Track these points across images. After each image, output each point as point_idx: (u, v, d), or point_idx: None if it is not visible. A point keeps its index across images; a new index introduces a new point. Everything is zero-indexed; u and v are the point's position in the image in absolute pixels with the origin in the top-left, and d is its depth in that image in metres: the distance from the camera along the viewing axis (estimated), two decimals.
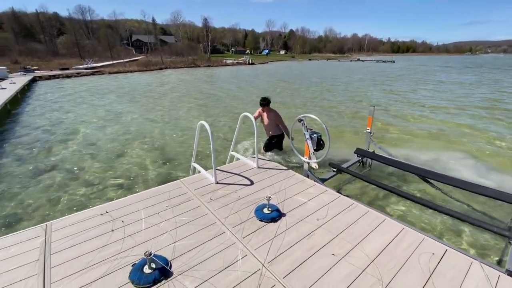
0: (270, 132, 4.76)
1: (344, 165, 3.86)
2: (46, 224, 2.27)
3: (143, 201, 2.64)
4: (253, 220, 2.33)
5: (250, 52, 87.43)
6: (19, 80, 16.39)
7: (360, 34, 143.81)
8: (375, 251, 1.99)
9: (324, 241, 2.07)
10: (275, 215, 2.31)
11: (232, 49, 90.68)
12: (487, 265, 1.88)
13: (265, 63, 50.00)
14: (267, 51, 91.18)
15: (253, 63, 45.00)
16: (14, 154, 5.72)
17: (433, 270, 1.81)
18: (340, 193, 2.84)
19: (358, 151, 4.16)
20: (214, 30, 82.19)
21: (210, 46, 70.64)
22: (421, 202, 2.88)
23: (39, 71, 23.98)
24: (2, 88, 12.54)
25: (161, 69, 30.74)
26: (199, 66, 36.18)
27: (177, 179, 3.15)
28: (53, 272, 1.78)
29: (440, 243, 2.14)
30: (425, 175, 3.58)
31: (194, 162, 3.48)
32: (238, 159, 3.78)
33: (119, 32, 64.58)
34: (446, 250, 2.03)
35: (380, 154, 4.23)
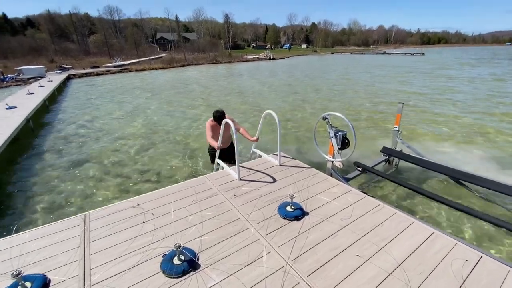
0: (224, 144, 4.07)
1: (370, 165, 3.75)
2: (84, 214, 2.46)
3: (171, 195, 2.76)
4: (276, 217, 2.35)
5: (271, 47, 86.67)
6: (55, 78, 17.60)
7: (386, 26, 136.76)
8: (403, 254, 1.93)
9: (349, 241, 2.05)
10: (298, 214, 2.32)
11: (253, 44, 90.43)
12: None
13: (286, 57, 49.36)
14: (288, 45, 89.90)
15: (273, 58, 44.61)
16: (53, 147, 6.20)
17: (466, 277, 1.74)
18: (365, 193, 2.78)
19: (385, 150, 4.02)
20: (235, 25, 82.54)
21: (231, 42, 71.12)
22: (453, 205, 2.74)
23: (73, 70, 25.57)
24: (41, 86, 13.54)
25: (183, 66, 31.48)
26: (220, 62, 36.55)
27: (202, 175, 3.26)
28: (92, 258, 1.93)
29: (474, 249, 2.03)
30: (458, 177, 3.39)
31: (218, 158, 3.57)
32: (260, 156, 3.81)
33: (144, 31, 66.87)
34: (481, 257, 1.93)
35: (408, 154, 4.05)
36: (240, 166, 3.20)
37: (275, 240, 2.07)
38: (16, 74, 20.94)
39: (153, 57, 38.64)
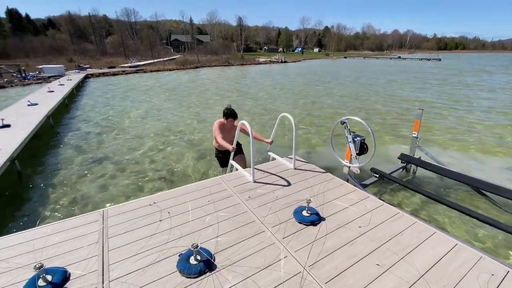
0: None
1: (387, 171, 3.66)
2: (103, 210, 2.51)
3: (186, 194, 2.78)
4: (292, 221, 2.33)
5: (283, 50, 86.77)
6: (74, 77, 18.21)
7: (401, 30, 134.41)
8: (425, 265, 1.87)
9: (368, 249, 2.00)
10: (315, 219, 2.29)
11: (265, 47, 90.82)
12: None
13: (298, 61, 49.27)
14: (300, 49, 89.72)
15: (285, 62, 44.63)
16: (72, 144, 6.40)
17: None
18: (383, 200, 2.71)
19: (403, 157, 3.91)
20: (247, 28, 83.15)
21: (243, 44, 71.65)
22: (476, 216, 2.63)
23: (90, 69, 26.40)
24: (61, 85, 14.03)
25: (197, 67, 31.94)
26: (232, 65, 36.87)
27: (216, 175, 3.27)
28: (111, 254, 1.96)
29: (500, 263, 1.93)
30: (480, 187, 3.26)
31: (233, 160, 3.57)
32: (274, 159, 3.79)
33: (159, 33, 68.43)
34: (508, 272, 1.84)
35: (428, 161, 3.93)
36: (254, 168, 3.19)
37: (291, 245, 2.04)
38: (37, 72, 21.83)
39: (167, 58, 39.40)
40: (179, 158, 5.50)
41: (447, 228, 3.07)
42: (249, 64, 39.11)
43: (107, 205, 3.76)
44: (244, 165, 3.87)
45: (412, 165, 4.06)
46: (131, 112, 9.85)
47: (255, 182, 3.06)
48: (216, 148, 4.01)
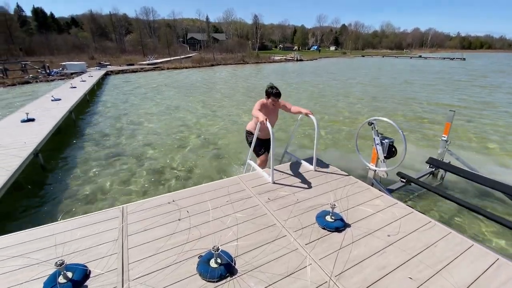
0: (268, 134, 3.48)
1: (415, 176, 3.45)
2: (122, 207, 2.50)
3: (205, 194, 2.73)
4: (315, 226, 2.21)
5: (298, 48, 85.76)
6: (95, 74, 18.79)
7: (422, 29, 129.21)
8: (463, 282, 1.70)
9: (398, 261, 1.86)
10: (340, 225, 2.16)
11: (280, 45, 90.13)
12: None
13: (314, 59, 48.53)
14: (316, 47, 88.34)
15: (301, 60, 44.05)
16: (92, 139, 6.55)
17: None
18: (411, 207, 2.54)
19: (432, 161, 3.68)
20: (263, 26, 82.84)
21: (259, 42, 71.46)
22: None
23: (110, 66, 27.17)
24: (83, 81, 14.50)
25: (212, 65, 32.14)
26: (247, 63, 36.81)
27: (234, 175, 3.20)
28: (130, 253, 1.93)
29: None
30: None
31: (250, 159, 3.49)
32: (293, 159, 3.68)
33: (176, 31, 69.55)
34: None
35: (459, 166, 3.67)
36: (273, 168, 3.09)
37: (315, 252, 1.93)
38: (60, 69, 22.72)
39: (184, 56, 39.92)
40: (197, 155, 5.49)
41: (484, 240, 2.84)
42: (264, 62, 38.88)
43: (127, 201, 3.78)
44: (265, 164, 3.62)
45: (441, 170, 3.82)
46: (150, 108, 10.00)
47: (274, 183, 2.97)
48: (247, 131, 3.66)
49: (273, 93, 3.23)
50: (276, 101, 3.31)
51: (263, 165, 3.55)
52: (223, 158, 5.36)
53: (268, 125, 2.81)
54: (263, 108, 3.30)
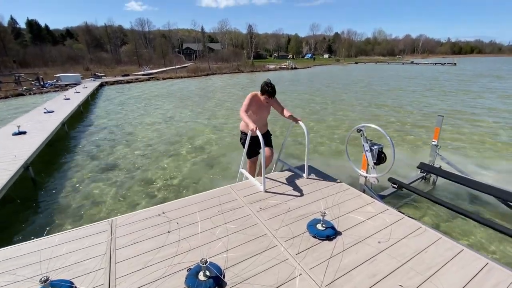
0: (261, 129, 3.36)
1: (406, 181, 3.47)
2: (111, 220, 2.46)
3: (196, 204, 2.70)
4: (305, 235, 2.20)
5: (293, 56, 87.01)
6: (90, 85, 18.78)
7: (414, 35, 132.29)
8: (453, 287, 1.70)
9: (389, 268, 1.85)
10: (330, 233, 2.15)
11: (275, 54, 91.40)
12: None
13: (308, 67, 49.22)
14: (310, 55, 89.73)
15: (295, 68, 44.64)
16: (84, 151, 6.50)
17: None
18: (403, 213, 2.54)
19: (423, 166, 3.71)
20: (257, 36, 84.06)
21: (253, 52, 72.39)
22: (506, 232, 2.42)
23: (105, 77, 27.22)
24: (77, 92, 14.47)
25: (208, 74, 32.38)
26: (242, 72, 37.17)
27: (226, 184, 3.18)
28: (118, 267, 1.89)
29: None
30: (508, 199, 3.02)
31: (242, 168, 3.48)
32: (285, 167, 3.68)
33: (171, 41, 70.22)
34: None
35: (450, 171, 3.70)
36: (265, 177, 3.09)
37: (306, 261, 1.91)
38: (55, 80, 22.69)
39: (179, 66, 40.18)
40: (190, 165, 5.47)
41: (475, 245, 2.84)
42: (259, 71, 39.32)
43: (117, 214, 3.73)
44: (270, 160, 3.50)
45: (432, 175, 3.85)
46: (143, 119, 9.99)
47: (266, 192, 2.96)
48: (241, 131, 3.50)
49: (268, 91, 3.11)
50: (270, 99, 3.21)
51: (269, 160, 3.41)
52: (216, 167, 5.34)
53: (259, 134, 2.81)
54: (254, 102, 3.20)
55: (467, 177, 3.48)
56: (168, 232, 2.27)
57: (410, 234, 2.21)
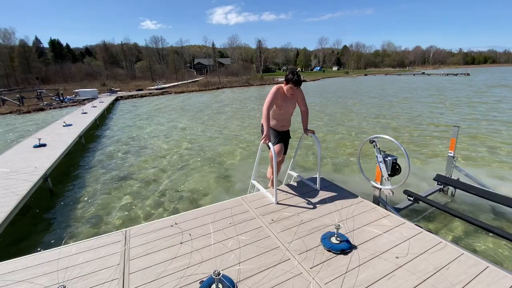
0: (284, 126, 3.28)
1: (422, 194, 3.36)
2: (125, 230, 2.49)
3: (208, 215, 2.71)
4: (319, 249, 2.15)
5: (302, 69, 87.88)
6: (106, 100, 19.55)
7: (424, 46, 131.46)
8: None
9: (409, 285, 1.77)
10: (345, 247, 2.09)
11: (284, 67, 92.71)
12: None
13: (317, 79, 49.50)
14: (318, 68, 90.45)
15: (304, 80, 44.98)
16: (100, 163, 6.68)
17: None
18: (420, 227, 2.45)
19: (439, 178, 3.59)
20: (266, 50, 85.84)
21: (263, 65, 73.76)
22: None
23: (120, 92, 28.27)
24: (94, 106, 15.07)
25: (218, 88, 33.07)
26: (252, 85, 37.76)
27: (238, 196, 3.18)
28: (131, 278, 1.90)
29: None
30: None
31: (254, 180, 3.48)
32: (297, 178, 3.65)
33: (183, 57, 72.67)
34: None
35: (468, 183, 3.56)
36: (277, 189, 3.07)
37: (320, 276, 1.86)
38: (73, 95, 23.74)
39: (191, 80, 41.34)
40: (202, 176, 5.51)
41: (501, 261, 2.68)
42: (268, 84, 39.82)
43: (131, 224, 3.77)
44: (280, 155, 3.22)
45: (450, 187, 3.71)
46: (157, 131, 10.23)
47: (278, 203, 2.93)
48: (262, 125, 3.17)
49: (293, 80, 2.84)
50: (295, 89, 2.92)
51: (278, 157, 3.12)
52: (227, 179, 5.35)
53: (271, 146, 2.80)
54: (278, 96, 2.94)
55: (487, 189, 3.33)
56: (181, 243, 2.27)
57: (429, 249, 2.12)
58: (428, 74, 58.13)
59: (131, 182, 5.37)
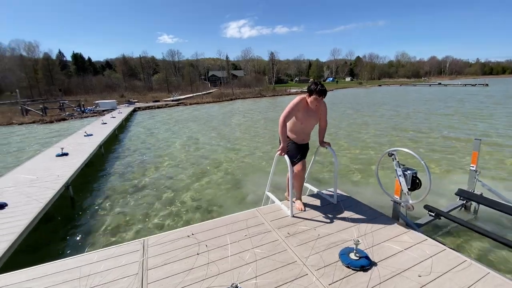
0: (304, 139, 3.09)
1: (444, 209, 3.23)
2: (144, 240, 2.54)
3: (223, 227, 2.72)
4: (338, 264, 2.10)
5: (314, 80, 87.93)
6: (124, 111, 20.30)
7: (439, 57, 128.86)
8: None
9: None
10: (365, 263, 2.04)
11: (296, 78, 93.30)
12: None
13: (330, 90, 49.37)
14: (331, 78, 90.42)
15: None
16: (118, 172, 6.89)
17: None
18: (444, 244, 2.35)
19: (462, 193, 3.45)
20: (279, 62, 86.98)
21: (275, 77, 74.64)
22: None
23: (138, 103, 29.30)
24: (113, 117, 15.68)
25: (231, 99, 33.64)
26: (264, 96, 38.16)
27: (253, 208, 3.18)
28: None
29: None
30: None
31: (269, 191, 3.48)
32: (313, 191, 3.62)
33: (198, 69, 74.88)
34: None
35: (492, 198, 3.40)
36: (293, 201, 3.05)
37: None
38: (94, 106, 24.84)
39: (205, 92, 42.30)
40: (217, 186, 5.56)
41: None
42: (281, 94, 40.12)
43: (149, 234, 3.84)
44: (303, 173, 3.04)
45: (473, 202, 3.55)
46: (173, 141, 10.47)
47: (294, 216, 2.91)
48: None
49: (317, 90, 2.68)
50: (320, 100, 2.76)
51: (299, 175, 2.97)
52: (241, 190, 5.36)
53: (287, 159, 2.79)
54: (299, 109, 2.78)
55: None
56: (197, 254, 2.29)
57: (454, 268, 2.03)
58: (444, 84, 56.69)
59: (149, 192, 5.49)
